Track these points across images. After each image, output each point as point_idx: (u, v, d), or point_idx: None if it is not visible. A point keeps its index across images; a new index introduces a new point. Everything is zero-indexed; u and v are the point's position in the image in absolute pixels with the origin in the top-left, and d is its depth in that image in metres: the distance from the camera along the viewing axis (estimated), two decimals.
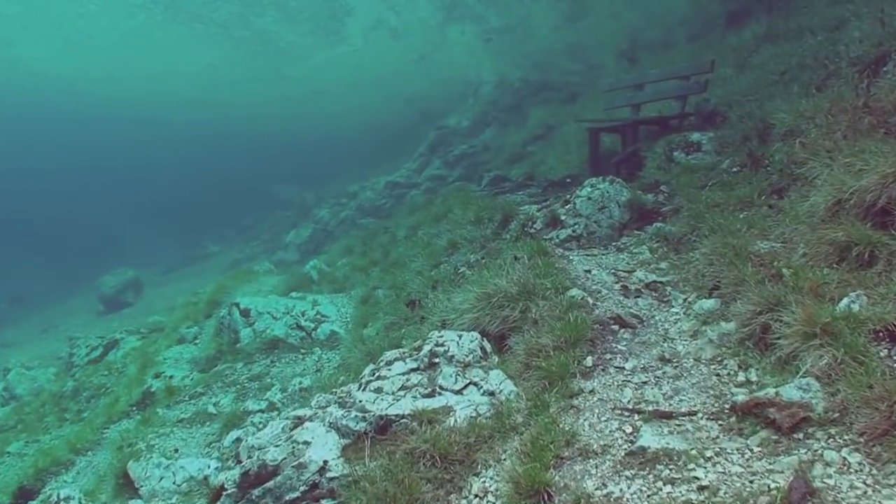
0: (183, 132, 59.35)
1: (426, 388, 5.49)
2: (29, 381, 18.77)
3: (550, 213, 9.14)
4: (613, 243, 8.58)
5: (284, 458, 5.03)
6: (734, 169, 8.96)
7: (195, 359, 12.13)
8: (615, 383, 5.27)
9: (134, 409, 10.66)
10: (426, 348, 5.92)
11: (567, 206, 9.13)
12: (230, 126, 58.00)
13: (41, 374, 19.76)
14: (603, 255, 8.18)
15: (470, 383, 5.53)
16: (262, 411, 8.40)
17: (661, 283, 6.90)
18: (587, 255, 8.14)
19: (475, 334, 6.19)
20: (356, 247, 16.95)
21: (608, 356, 5.66)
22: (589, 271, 7.39)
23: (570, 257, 7.99)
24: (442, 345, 5.95)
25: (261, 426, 7.73)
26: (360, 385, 5.76)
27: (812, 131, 7.89)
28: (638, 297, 6.71)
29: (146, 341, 16.28)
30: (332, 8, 30.07)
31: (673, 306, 6.50)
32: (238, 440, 7.46)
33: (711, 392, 4.96)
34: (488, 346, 6.18)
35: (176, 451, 8.42)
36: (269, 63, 38.49)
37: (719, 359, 5.38)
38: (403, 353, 6.04)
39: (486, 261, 9.11)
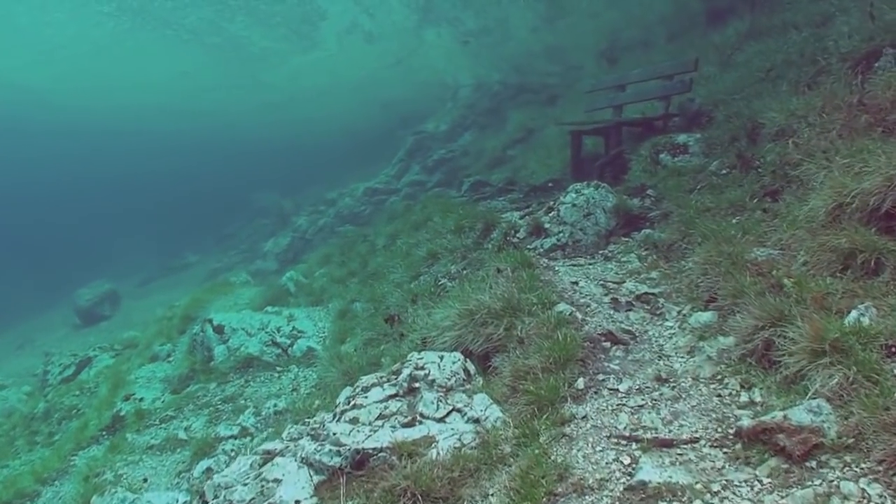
0: (159, 141, 58.65)
1: (406, 417, 5.09)
2: (0, 402, 18.22)
3: (534, 222, 8.75)
4: (600, 251, 8.20)
5: (253, 498, 4.62)
6: (723, 171, 8.62)
7: (168, 378, 11.67)
8: (609, 407, 4.89)
9: (104, 433, 10.18)
10: (405, 372, 5.52)
11: (551, 214, 8.75)
12: (207, 134, 57.39)
13: (13, 393, 19.27)
14: (590, 264, 7.80)
15: (453, 410, 5.13)
16: (234, 437, 7.95)
17: (652, 294, 6.53)
18: (573, 266, 7.75)
19: (457, 355, 5.79)
20: (334, 256, 16.51)
21: (601, 377, 5.28)
22: (576, 283, 6.99)
23: (556, 268, 7.59)
24: (422, 367, 5.55)
25: (232, 454, 7.31)
26: (335, 415, 5.34)
27: (805, 131, 7.58)
28: (629, 310, 6.34)
29: (119, 359, 15.84)
30: (304, 12, 29.47)
31: (667, 320, 6.13)
32: (209, 470, 7.04)
33: (713, 415, 4.60)
34: (472, 368, 5.78)
35: (145, 480, 7.96)
36: (244, 69, 37.87)
37: (719, 377, 5.03)
38: (381, 377, 5.63)
39: (468, 272, 8.74)
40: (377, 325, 8.98)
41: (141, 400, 10.54)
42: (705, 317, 5.75)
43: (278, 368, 10.15)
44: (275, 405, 8.36)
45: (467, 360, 5.83)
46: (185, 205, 57.63)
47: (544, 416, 4.84)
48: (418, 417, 5.07)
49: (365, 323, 9.66)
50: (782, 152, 7.66)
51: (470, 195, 15.81)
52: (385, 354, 7.87)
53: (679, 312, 6.15)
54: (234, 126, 54.17)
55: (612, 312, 6.31)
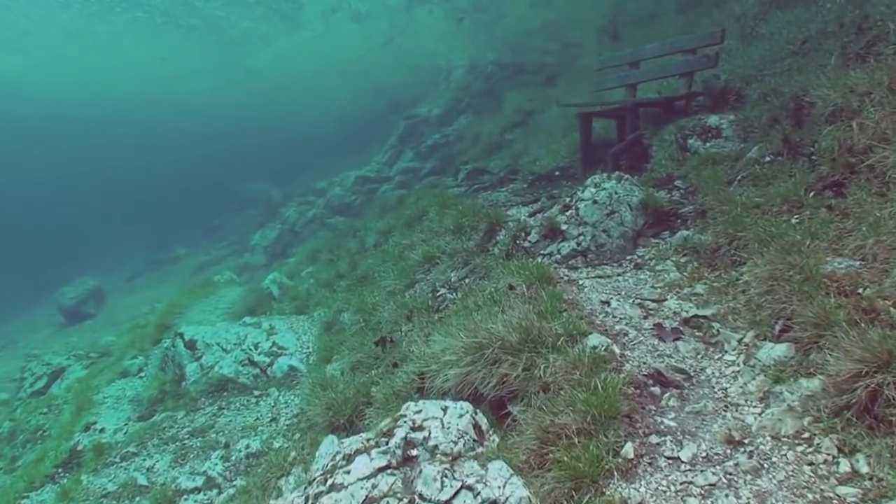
0: (142, 132, 57.10)
1: (400, 499, 3.86)
2: None
3: (548, 222, 7.44)
4: (628, 257, 6.92)
5: None
6: (767, 159, 7.35)
7: (137, 398, 10.46)
8: (672, 488, 3.68)
9: (59, 470, 8.94)
10: (399, 433, 4.27)
11: (568, 213, 7.44)
12: (191, 123, 55.89)
13: None
14: (619, 275, 6.49)
15: (462, 487, 3.89)
16: (197, 490, 6.69)
17: (704, 317, 5.27)
18: (600, 277, 6.45)
19: (465, 406, 4.54)
20: (322, 253, 15.33)
21: (654, 439, 4.05)
22: (607, 303, 5.72)
23: (580, 282, 6.30)
24: (420, 426, 4.31)
25: None
26: (307, 498, 4.10)
27: (871, 111, 6.31)
28: (677, 339, 5.09)
29: (92, 370, 14.70)
30: None
31: (726, 352, 4.89)
32: None
33: (809, 496, 3.45)
34: (483, 422, 4.54)
35: None
36: (225, 54, 36.26)
37: (807, 436, 3.85)
38: (368, 440, 4.37)
39: (471, 281, 7.51)
40: (367, 344, 7.72)
41: (102, 431, 9.28)
42: (779, 350, 4.53)
43: (256, 392, 8.89)
44: (247, 446, 7.09)
45: (477, 411, 4.59)
46: (172, 197, 56.45)
47: (586, 501, 3.64)
48: (416, 500, 3.84)
49: (353, 340, 8.40)
50: (843, 136, 6.40)
51: (468, 184, 14.55)
52: (375, 383, 6.66)
53: (740, 342, 4.91)
54: (218, 114, 52.62)
55: (656, 343, 5.06)
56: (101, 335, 23.03)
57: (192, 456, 7.64)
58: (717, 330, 5.09)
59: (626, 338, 5.13)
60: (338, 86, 41.93)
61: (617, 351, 4.80)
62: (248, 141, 55.78)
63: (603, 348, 4.72)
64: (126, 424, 9.40)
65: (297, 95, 46.21)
